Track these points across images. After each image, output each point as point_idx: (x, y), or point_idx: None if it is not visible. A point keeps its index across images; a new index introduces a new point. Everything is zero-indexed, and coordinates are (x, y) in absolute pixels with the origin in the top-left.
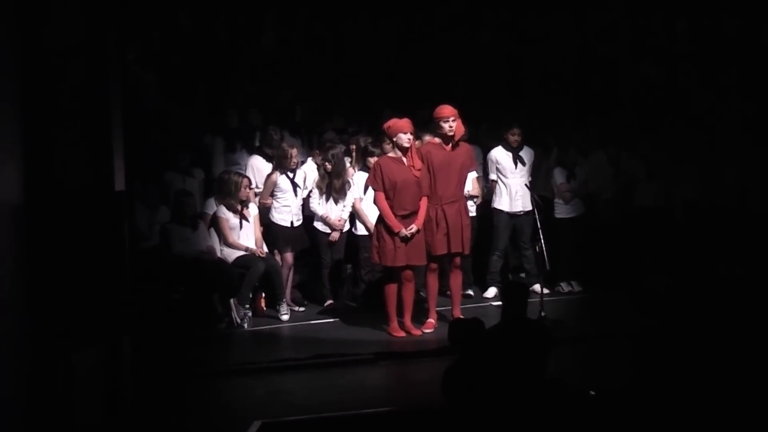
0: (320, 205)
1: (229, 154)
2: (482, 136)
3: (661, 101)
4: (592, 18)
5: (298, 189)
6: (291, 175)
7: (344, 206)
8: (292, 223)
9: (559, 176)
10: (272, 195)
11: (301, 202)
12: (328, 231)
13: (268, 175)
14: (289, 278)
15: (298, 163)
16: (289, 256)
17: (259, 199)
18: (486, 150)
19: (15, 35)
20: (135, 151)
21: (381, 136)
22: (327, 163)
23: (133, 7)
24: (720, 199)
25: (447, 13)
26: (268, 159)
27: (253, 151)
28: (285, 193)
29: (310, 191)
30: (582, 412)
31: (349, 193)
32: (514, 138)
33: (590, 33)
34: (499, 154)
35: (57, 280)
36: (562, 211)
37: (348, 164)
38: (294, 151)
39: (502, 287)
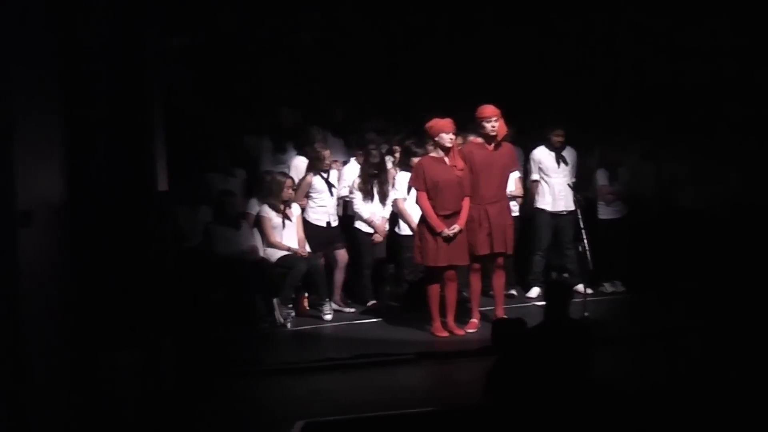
0: (364, 207)
1: (279, 154)
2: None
3: (704, 102)
4: (635, 17)
5: (333, 189)
6: (325, 175)
7: (384, 207)
8: (328, 223)
9: (601, 178)
10: (307, 196)
11: (336, 202)
12: (369, 231)
13: (303, 177)
14: (339, 278)
15: (331, 164)
16: (341, 256)
17: (293, 201)
18: (528, 151)
19: (56, 37)
20: (177, 151)
21: (423, 137)
22: (368, 165)
23: (173, 6)
24: (764, 201)
25: (490, 12)
26: None
27: (297, 151)
28: (321, 194)
29: (351, 193)
30: (626, 412)
31: (390, 194)
32: (557, 139)
33: (632, 32)
34: (542, 154)
35: (100, 280)
36: (605, 212)
37: (390, 165)
38: (327, 153)
39: (545, 287)
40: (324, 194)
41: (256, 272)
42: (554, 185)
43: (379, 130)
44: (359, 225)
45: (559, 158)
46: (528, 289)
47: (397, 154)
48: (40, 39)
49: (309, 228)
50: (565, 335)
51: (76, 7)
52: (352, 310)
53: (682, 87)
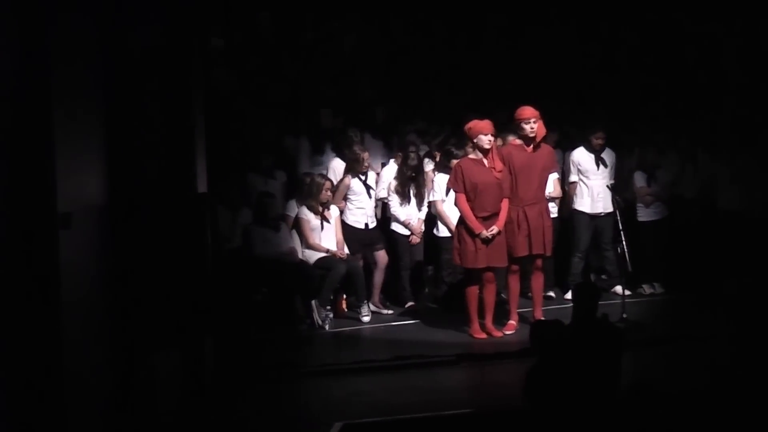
0: (401, 210)
1: (317, 155)
2: (564, 140)
3: (745, 103)
4: (677, 18)
5: (371, 191)
6: (363, 177)
7: (420, 210)
8: (366, 225)
9: (639, 180)
10: (346, 198)
11: (374, 204)
12: (406, 233)
13: (341, 179)
14: (379, 280)
15: (369, 166)
16: (381, 257)
17: (331, 203)
18: (567, 152)
19: (99, 38)
20: (217, 153)
21: (463, 138)
22: (405, 167)
23: (215, 8)
24: None
25: (531, 13)
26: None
27: (335, 153)
28: (359, 196)
29: (388, 196)
30: (665, 415)
31: (427, 196)
32: (597, 141)
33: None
34: (581, 156)
35: (140, 281)
36: (644, 214)
37: (430, 168)
38: (366, 155)
39: (573, 288)
40: (362, 196)
41: (295, 274)
42: (593, 187)
43: (419, 131)
44: (396, 227)
45: (599, 160)
46: (566, 291)
47: (437, 158)
48: (83, 39)
49: (347, 230)
50: (595, 336)
51: (120, 7)
52: (391, 311)
53: (722, 87)
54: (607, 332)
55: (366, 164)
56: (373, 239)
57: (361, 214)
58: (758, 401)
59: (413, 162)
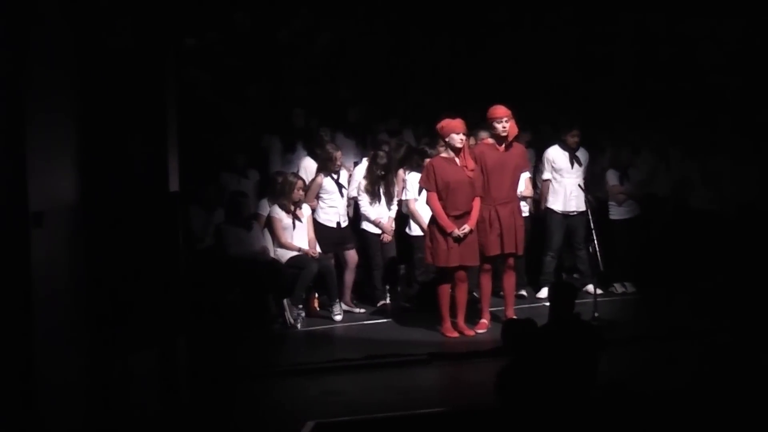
0: (371, 209)
1: (288, 154)
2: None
3: (717, 103)
4: (651, 19)
5: (343, 189)
6: (335, 176)
7: (391, 207)
8: (338, 223)
9: (612, 178)
10: (318, 197)
11: (347, 203)
12: (377, 232)
13: (314, 178)
14: (350, 279)
15: (342, 165)
16: (351, 257)
17: (304, 201)
18: (540, 151)
19: (70, 36)
20: (190, 152)
21: (435, 137)
22: (375, 166)
23: (188, 7)
24: None
25: (502, 12)
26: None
27: (306, 152)
28: (331, 195)
29: (358, 195)
30: (638, 414)
31: (397, 195)
32: (573, 139)
33: (647, 34)
34: (556, 154)
35: (113, 281)
36: (616, 212)
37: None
38: (338, 154)
39: (550, 287)
40: (334, 195)
41: (268, 273)
42: (567, 185)
43: (392, 131)
44: (366, 226)
45: (573, 158)
46: (539, 290)
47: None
48: (54, 38)
49: (319, 228)
50: (572, 336)
51: (91, 5)
52: (362, 310)
53: (696, 88)
54: (585, 331)
55: (339, 163)
56: (345, 238)
57: (333, 213)
58: (731, 400)
59: (382, 161)
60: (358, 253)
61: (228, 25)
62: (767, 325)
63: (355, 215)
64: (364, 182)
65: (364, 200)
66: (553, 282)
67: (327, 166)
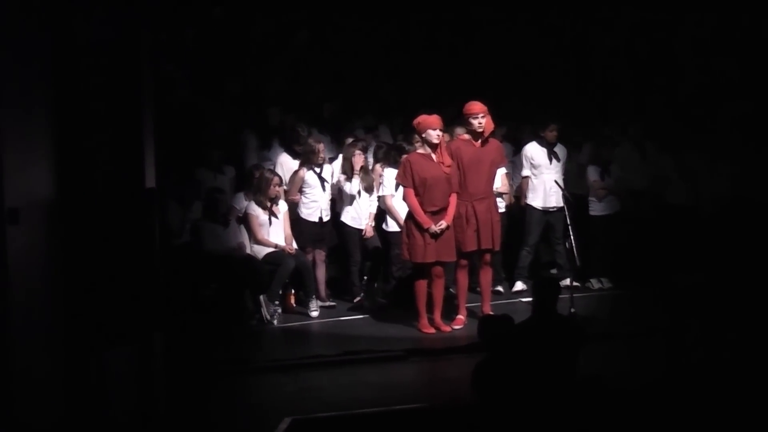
0: (351, 205)
1: (264, 151)
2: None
3: (694, 98)
4: (626, 13)
5: (326, 184)
6: (318, 170)
7: (371, 203)
8: (320, 218)
9: (592, 173)
10: (300, 191)
11: (329, 197)
12: (357, 227)
13: (295, 172)
14: (321, 275)
15: (325, 159)
16: (320, 253)
17: (287, 196)
18: (518, 146)
19: (46, 32)
20: (166, 148)
21: (411, 133)
22: (347, 162)
23: (165, 3)
24: (751, 196)
25: (479, 8)
26: (295, 156)
27: (283, 148)
28: (313, 189)
29: (338, 189)
30: (613, 409)
31: (374, 192)
32: (552, 134)
33: (624, 28)
34: (534, 150)
35: (89, 277)
36: (596, 208)
37: (375, 162)
38: (321, 146)
39: (534, 282)
40: (316, 189)
41: (244, 269)
42: (546, 181)
43: (367, 127)
44: (346, 219)
45: (551, 154)
46: (513, 284)
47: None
48: (29, 34)
49: (301, 224)
50: (555, 331)
51: (67, 1)
52: (333, 304)
53: (676, 84)
54: (567, 327)
55: (322, 155)
56: (324, 235)
57: (315, 207)
58: (705, 396)
59: (351, 157)
60: (336, 248)
61: (203, 20)
62: (743, 321)
63: (333, 211)
64: (342, 177)
65: (343, 195)
66: (537, 278)
67: (310, 159)
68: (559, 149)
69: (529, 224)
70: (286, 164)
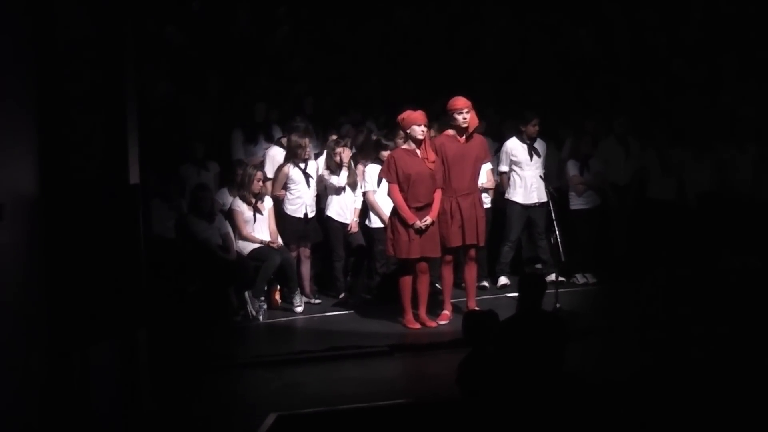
0: (336, 199)
1: (250, 145)
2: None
3: (677, 93)
4: (607, 9)
5: (310, 180)
6: (303, 166)
7: (356, 198)
8: (305, 215)
9: (572, 168)
10: (285, 187)
11: (314, 194)
12: (341, 222)
13: (280, 167)
14: (306, 271)
15: (310, 154)
16: (304, 250)
17: (272, 192)
18: (499, 142)
19: (29, 29)
20: (150, 144)
21: (395, 129)
22: (330, 160)
23: None
24: (734, 191)
25: (463, 3)
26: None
27: (272, 142)
28: (297, 185)
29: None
30: (597, 405)
31: (358, 188)
32: (534, 128)
33: (604, 23)
34: (514, 146)
35: (73, 273)
36: (576, 203)
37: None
38: (306, 141)
39: (519, 278)
40: (301, 185)
41: (229, 265)
42: (526, 177)
43: (354, 122)
44: (331, 213)
45: (532, 150)
46: (496, 279)
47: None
48: (12, 30)
49: (286, 220)
50: (539, 327)
51: None
52: (318, 301)
53: (656, 79)
54: (552, 323)
55: (308, 151)
56: (309, 233)
57: (300, 203)
58: (688, 392)
59: (333, 152)
60: (322, 244)
61: (187, 17)
62: (725, 315)
63: (317, 207)
64: (326, 173)
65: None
66: (523, 274)
67: (297, 154)
68: (539, 144)
69: (510, 219)
70: (276, 158)
